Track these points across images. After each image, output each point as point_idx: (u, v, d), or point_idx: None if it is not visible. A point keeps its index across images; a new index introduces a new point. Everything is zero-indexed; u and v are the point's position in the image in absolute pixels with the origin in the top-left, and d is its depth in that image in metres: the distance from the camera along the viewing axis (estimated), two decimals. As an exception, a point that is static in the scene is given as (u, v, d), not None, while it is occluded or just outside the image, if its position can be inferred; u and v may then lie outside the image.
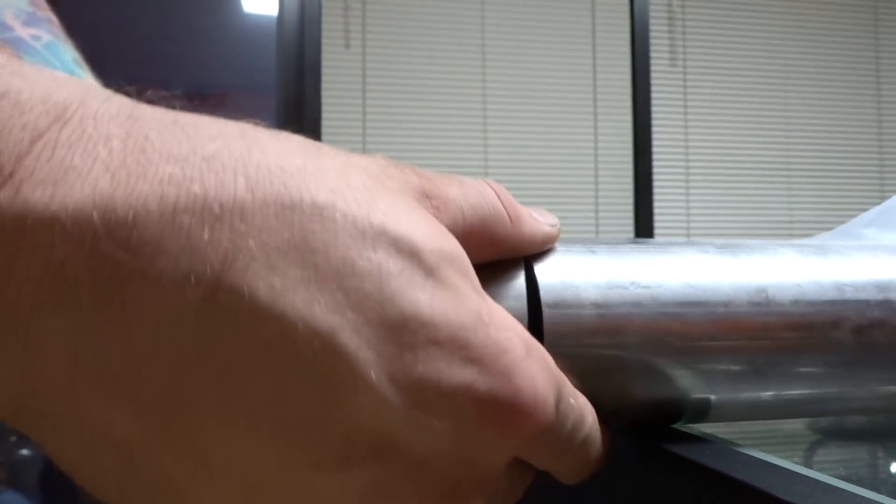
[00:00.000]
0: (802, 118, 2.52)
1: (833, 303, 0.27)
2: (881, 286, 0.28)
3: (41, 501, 2.42)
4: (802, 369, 0.27)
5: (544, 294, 0.24)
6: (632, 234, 2.38)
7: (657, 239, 0.31)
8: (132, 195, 0.15)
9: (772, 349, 0.26)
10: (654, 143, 2.40)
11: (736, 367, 0.26)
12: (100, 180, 0.15)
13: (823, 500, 0.20)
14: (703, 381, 0.26)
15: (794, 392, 0.27)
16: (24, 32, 0.41)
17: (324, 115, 2.18)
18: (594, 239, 0.28)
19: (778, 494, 0.20)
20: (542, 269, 0.25)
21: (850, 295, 0.27)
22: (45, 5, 0.44)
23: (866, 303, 0.27)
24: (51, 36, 0.42)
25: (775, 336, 0.26)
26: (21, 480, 2.33)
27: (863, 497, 0.20)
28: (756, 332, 0.26)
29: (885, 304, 0.28)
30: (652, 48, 2.42)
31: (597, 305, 0.25)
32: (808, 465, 0.23)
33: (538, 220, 0.24)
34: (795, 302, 0.27)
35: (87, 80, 0.42)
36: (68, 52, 0.43)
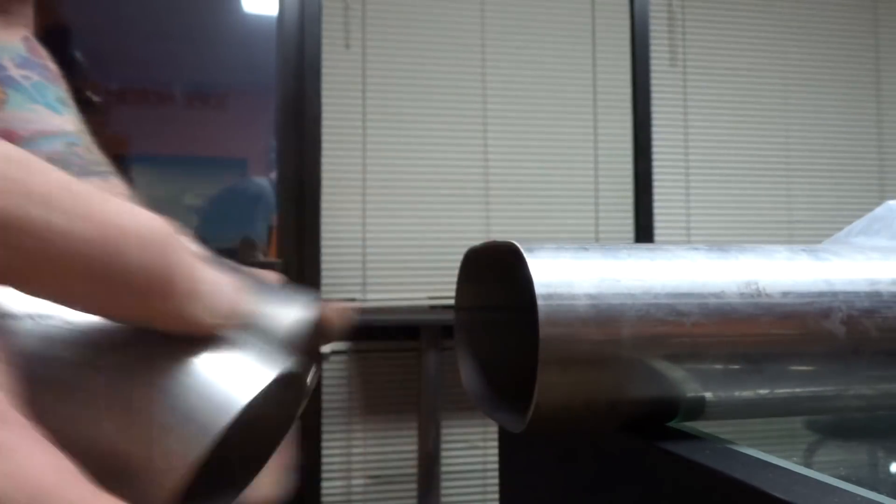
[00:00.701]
0: (802, 118, 2.52)
1: (823, 294, 0.27)
2: (870, 279, 0.28)
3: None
4: (794, 360, 0.27)
5: (538, 287, 0.25)
6: (632, 235, 2.38)
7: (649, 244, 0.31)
8: None
9: (764, 339, 0.26)
10: (654, 143, 2.40)
11: (729, 359, 0.26)
12: None
13: (823, 500, 0.20)
14: (696, 375, 0.26)
15: (788, 386, 0.27)
16: (16, 73, 0.48)
17: (324, 115, 2.18)
18: (587, 242, 0.28)
19: (778, 494, 0.20)
20: (535, 264, 0.25)
21: (839, 287, 0.28)
22: (43, 54, 0.51)
23: (856, 294, 0.28)
24: (40, 77, 0.49)
25: (767, 326, 0.26)
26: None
27: (863, 497, 0.20)
28: (748, 322, 0.26)
29: (874, 295, 0.28)
30: (652, 48, 2.42)
31: (590, 297, 0.25)
32: (808, 465, 0.23)
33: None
34: (786, 293, 0.27)
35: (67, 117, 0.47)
36: (53, 92, 0.50)
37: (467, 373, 0.32)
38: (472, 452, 2.22)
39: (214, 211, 3.41)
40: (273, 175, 3.35)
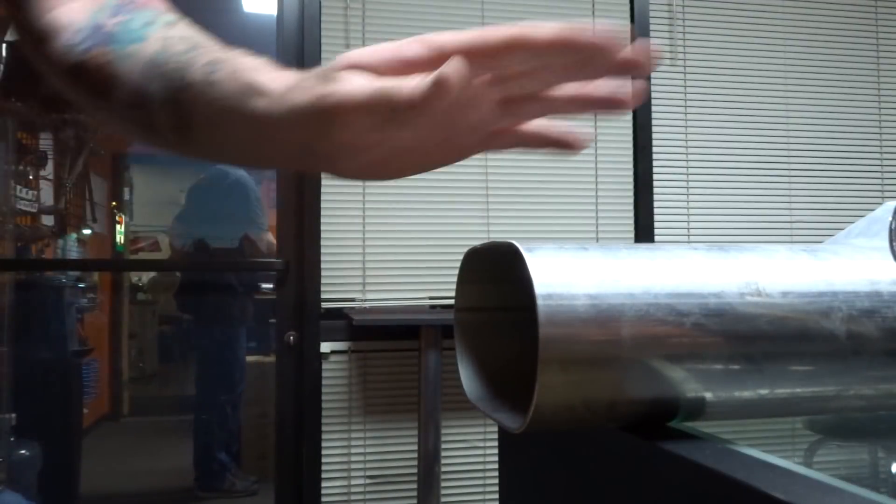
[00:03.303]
0: (803, 118, 2.51)
1: (823, 294, 0.27)
2: (870, 279, 0.28)
3: (41, 501, 2.42)
4: (794, 360, 0.27)
5: (538, 287, 0.25)
6: (632, 235, 2.38)
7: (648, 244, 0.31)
8: None
9: (763, 339, 0.26)
10: (654, 143, 2.40)
11: (729, 359, 0.26)
12: None
13: (823, 500, 0.20)
14: (697, 375, 0.26)
15: (788, 386, 0.27)
16: (110, 24, 0.48)
17: (324, 115, 2.18)
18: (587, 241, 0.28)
19: (778, 494, 0.20)
20: (534, 263, 0.25)
21: (839, 286, 0.28)
22: None
23: (855, 294, 0.28)
24: (128, 15, 0.48)
25: (767, 326, 0.26)
26: (21, 480, 2.33)
27: (863, 497, 0.20)
28: (747, 321, 0.26)
29: (874, 295, 0.28)
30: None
31: (590, 297, 0.25)
32: (808, 465, 0.23)
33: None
34: (785, 293, 0.27)
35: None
36: (139, 20, 0.48)
37: (467, 374, 0.32)
38: (472, 452, 2.22)
39: (195, 209, 3.35)
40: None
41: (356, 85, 0.38)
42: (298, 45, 2.20)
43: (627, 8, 2.40)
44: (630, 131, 2.39)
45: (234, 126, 0.43)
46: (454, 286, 0.34)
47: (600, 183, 2.36)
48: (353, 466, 2.17)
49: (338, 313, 2.16)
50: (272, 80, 0.44)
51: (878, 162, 2.56)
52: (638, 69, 0.36)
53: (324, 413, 2.15)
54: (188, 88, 0.44)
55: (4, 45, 2.54)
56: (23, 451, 2.33)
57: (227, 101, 0.43)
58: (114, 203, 4.95)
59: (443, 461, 2.03)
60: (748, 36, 2.49)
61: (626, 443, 0.27)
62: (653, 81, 2.40)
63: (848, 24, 2.56)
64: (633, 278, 0.26)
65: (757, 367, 0.27)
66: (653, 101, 2.40)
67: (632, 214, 2.38)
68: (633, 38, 0.40)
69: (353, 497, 2.16)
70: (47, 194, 3.35)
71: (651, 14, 2.42)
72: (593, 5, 2.38)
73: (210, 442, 3.15)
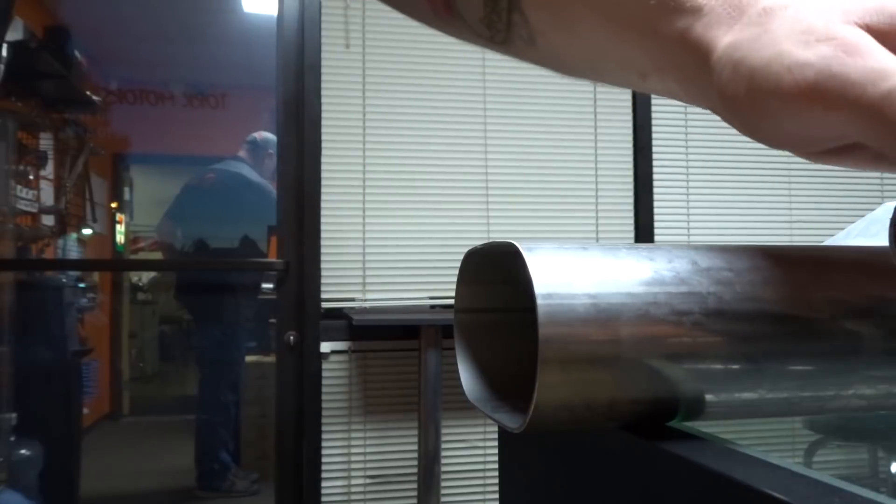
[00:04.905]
0: (802, 118, 2.51)
1: (822, 293, 0.27)
2: (871, 279, 0.28)
3: (41, 501, 2.42)
4: (794, 359, 0.27)
5: (538, 287, 0.25)
6: (632, 235, 2.38)
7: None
8: None
9: (763, 339, 0.26)
10: (654, 143, 2.40)
11: (728, 359, 0.26)
12: None
13: (823, 500, 0.20)
14: (696, 374, 0.26)
15: (788, 386, 0.27)
16: None
17: (324, 115, 2.18)
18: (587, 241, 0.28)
19: (778, 494, 0.20)
20: (534, 263, 0.25)
21: (839, 286, 0.28)
22: None
23: (855, 293, 0.28)
24: None
25: (766, 325, 0.26)
26: (21, 480, 2.34)
27: (863, 497, 0.20)
28: (747, 321, 0.26)
29: (874, 295, 0.28)
30: (652, 48, 2.41)
31: (590, 296, 0.25)
32: (808, 465, 0.23)
33: None
34: (785, 292, 0.27)
35: None
36: None
37: (467, 376, 0.32)
38: (472, 452, 2.22)
39: (185, 208, 3.34)
40: (242, 153, 3.30)
41: (861, 69, 0.22)
42: (298, 46, 2.20)
43: (627, 8, 2.40)
44: (630, 131, 2.39)
45: (609, 29, 0.29)
46: (454, 286, 0.34)
47: (600, 183, 2.36)
48: (353, 466, 2.17)
49: (338, 313, 2.16)
50: None
51: (878, 162, 2.56)
52: None
53: (324, 413, 2.15)
54: None
55: (4, 45, 2.54)
56: (23, 451, 2.33)
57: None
58: (114, 203, 4.95)
59: (443, 461, 2.03)
60: (748, 36, 2.48)
61: (626, 443, 0.27)
62: (653, 81, 2.40)
63: (848, 24, 2.56)
64: (633, 278, 0.26)
65: (756, 367, 0.27)
66: (653, 102, 2.40)
67: (632, 214, 2.38)
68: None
69: (353, 497, 2.16)
70: (47, 194, 3.35)
71: (651, 14, 2.41)
72: (593, 5, 2.37)
73: (212, 441, 3.15)
